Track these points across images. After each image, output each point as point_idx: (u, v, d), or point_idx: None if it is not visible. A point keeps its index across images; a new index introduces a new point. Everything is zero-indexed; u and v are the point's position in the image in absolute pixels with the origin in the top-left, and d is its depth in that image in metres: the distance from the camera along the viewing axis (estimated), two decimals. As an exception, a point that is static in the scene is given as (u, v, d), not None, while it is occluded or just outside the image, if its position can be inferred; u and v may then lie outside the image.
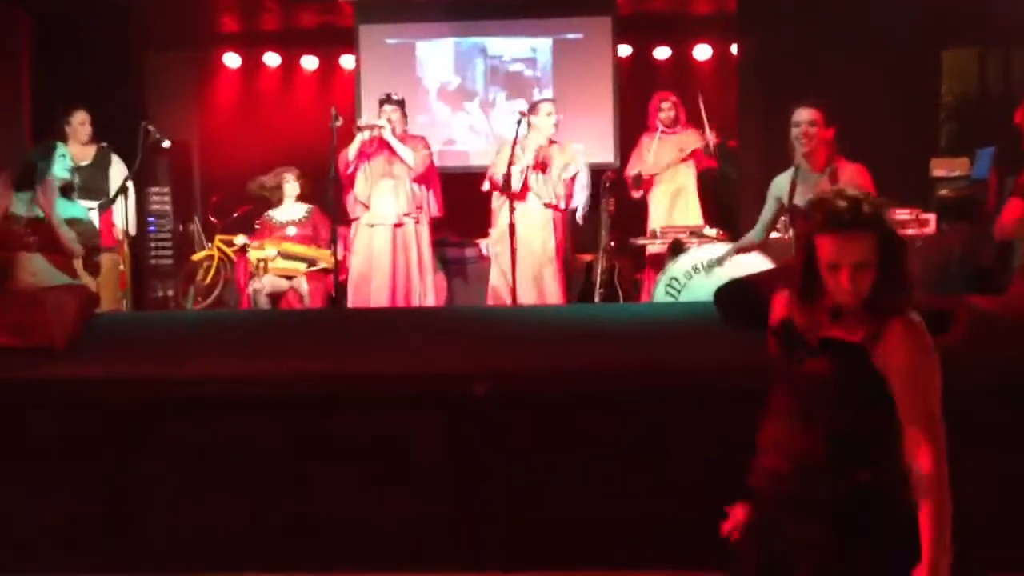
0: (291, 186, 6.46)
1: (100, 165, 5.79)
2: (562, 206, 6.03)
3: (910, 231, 5.53)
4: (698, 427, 3.20)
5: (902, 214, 5.57)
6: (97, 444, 3.21)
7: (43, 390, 3.24)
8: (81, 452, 3.21)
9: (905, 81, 6.47)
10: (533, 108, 6.11)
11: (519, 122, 5.87)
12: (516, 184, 5.82)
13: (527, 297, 5.88)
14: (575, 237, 7.13)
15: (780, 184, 4.05)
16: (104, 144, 5.87)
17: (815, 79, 6.17)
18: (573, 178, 6.04)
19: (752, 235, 4.35)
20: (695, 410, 3.21)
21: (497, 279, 6.07)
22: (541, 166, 5.92)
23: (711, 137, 6.40)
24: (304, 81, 9.09)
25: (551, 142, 6.02)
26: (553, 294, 6.03)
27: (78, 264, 4.01)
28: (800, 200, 3.90)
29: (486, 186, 6.12)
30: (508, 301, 5.79)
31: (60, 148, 4.20)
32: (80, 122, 5.83)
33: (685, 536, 3.03)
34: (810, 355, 2.07)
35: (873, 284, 2.00)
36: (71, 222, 3.98)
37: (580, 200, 6.09)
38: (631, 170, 6.66)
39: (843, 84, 6.15)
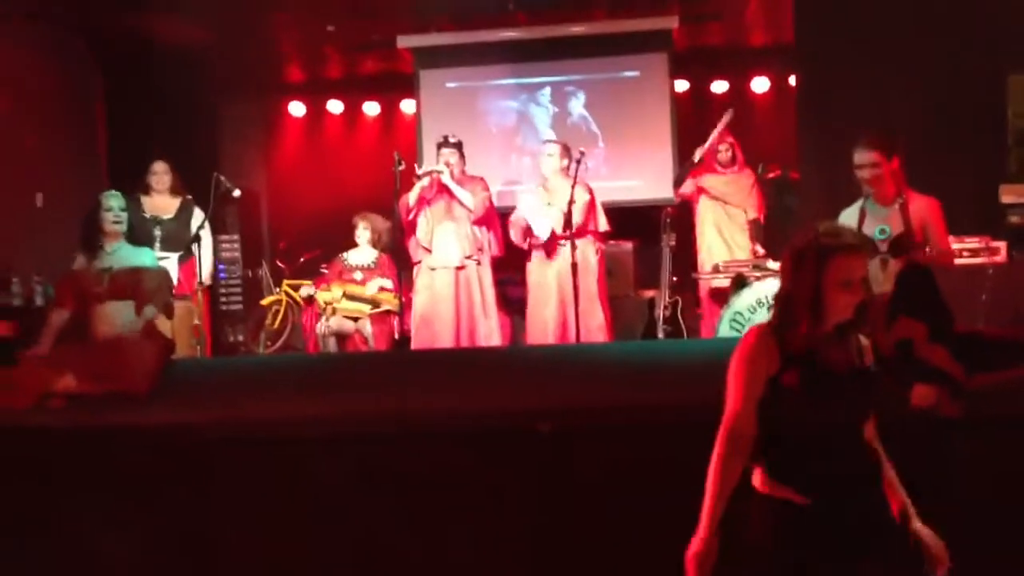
0: (362, 233, 6.59)
1: (183, 217, 5.90)
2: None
3: (980, 259, 5.42)
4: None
5: (971, 242, 5.46)
6: (177, 484, 3.30)
7: (127, 435, 3.35)
8: (164, 491, 3.30)
9: (971, 107, 6.36)
10: (567, 151, 6.17)
11: (578, 162, 5.93)
12: (554, 229, 5.88)
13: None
14: (637, 274, 7.14)
15: (848, 216, 4.02)
16: (189, 197, 6.01)
17: (877, 107, 6.11)
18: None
19: None
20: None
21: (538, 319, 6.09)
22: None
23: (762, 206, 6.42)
24: (366, 127, 9.29)
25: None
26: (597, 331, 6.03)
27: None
28: (869, 231, 3.86)
29: (515, 236, 6.17)
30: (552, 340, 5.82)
31: (109, 198, 4.24)
32: (159, 172, 5.98)
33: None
34: (851, 381, 2.24)
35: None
36: (143, 272, 4.04)
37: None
38: (684, 188, 6.66)
39: (907, 112, 6.09)
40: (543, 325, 6.04)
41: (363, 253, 6.61)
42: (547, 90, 8.28)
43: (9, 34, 6.38)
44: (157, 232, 5.65)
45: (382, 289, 6.45)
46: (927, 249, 3.86)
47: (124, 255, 4.04)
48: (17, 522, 3.32)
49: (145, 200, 5.86)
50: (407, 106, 8.95)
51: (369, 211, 6.79)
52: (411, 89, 8.49)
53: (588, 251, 6.03)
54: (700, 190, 6.57)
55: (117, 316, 3.91)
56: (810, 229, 2.28)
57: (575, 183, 5.81)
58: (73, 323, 3.98)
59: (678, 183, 6.65)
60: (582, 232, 5.97)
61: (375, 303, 6.42)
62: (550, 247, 6.04)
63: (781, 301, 2.30)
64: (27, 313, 5.97)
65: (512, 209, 6.35)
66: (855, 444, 2.25)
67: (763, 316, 5.27)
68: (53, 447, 3.43)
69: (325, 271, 6.73)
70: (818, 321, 2.21)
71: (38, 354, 3.80)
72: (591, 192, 6.09)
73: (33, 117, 6.79)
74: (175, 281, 5.37)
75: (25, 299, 6.16)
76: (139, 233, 4.36)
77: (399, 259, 6.11)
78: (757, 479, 2.29)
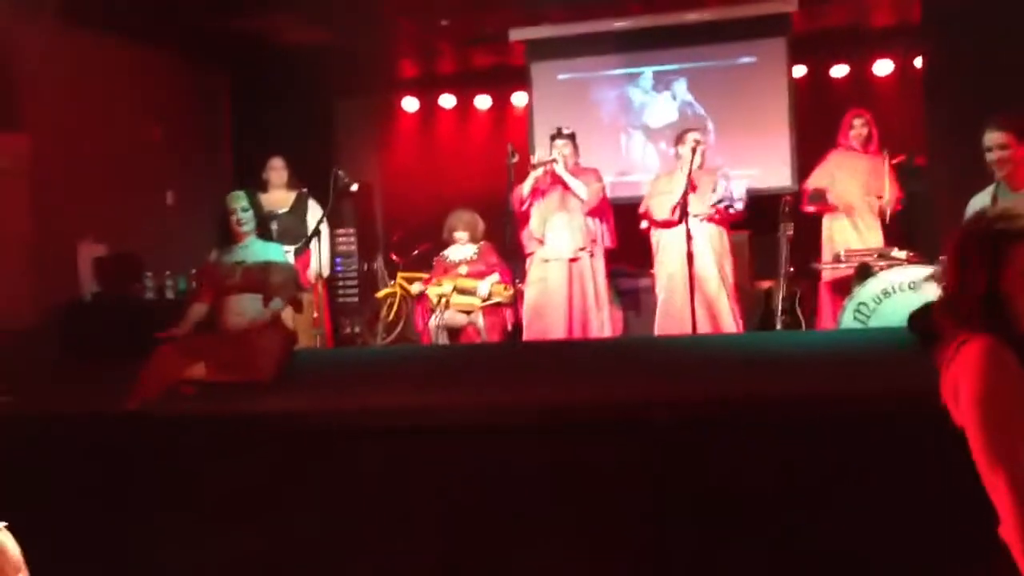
0: (459, 235, 6.68)
1: (298, 211, 6.12)
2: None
3: None
4: (895, 453, 3.06)
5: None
6: (304, 471, 3.40)
7: (252, 422, 3.47)
8: (289, 478, 3.40)
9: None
10: (680, 138, 6.09)
11: (694, 150, 5.83)
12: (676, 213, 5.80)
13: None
14: (753, 263, 6.99)
15: (979, 203, 3.83)
16: (304, 190, 6.20)
17: (1008, 89, 5.81)
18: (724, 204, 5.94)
19: None
20: (893, 436, 3.08)
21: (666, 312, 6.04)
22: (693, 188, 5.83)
23: (897, 191, 6.19)
24: (479, 120, 9.36)
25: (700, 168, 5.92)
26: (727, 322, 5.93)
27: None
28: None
29: (645, 224, 6.14)
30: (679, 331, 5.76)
31: (233, 200, 4.32)
32: (275, 167, 6.19)
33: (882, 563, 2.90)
34: None
35: None
36: (272, 267, 4.19)
37: (738, 203, 5.96)
38: (810, 184, 6.46)
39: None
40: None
41: (463, 248, 6.68)
42: (649, 75, 8.17)
43: (138, 35, 6.68)
44: (274, 226, 5.83)
45: (494, 284, 6.51)
46: None
47: (255, 250, 4.19)
48: (145, 503, 3.46)
49: (262, 195, 6.05)
50: (518, 99, 8.97)
51: (481, 203, 6.86)
52: (523, 82, 8.50)
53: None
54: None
55: (247, 308, 4.05)
56: (978, 216, 1.99)
57: (691, 171, 5.74)
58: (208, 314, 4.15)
59: (814, 199, 6.44)
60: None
61: (486, 296, 6.48)
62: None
63: (946, 305, 1.96)
64: (159, 306, 6.26)
65: (627, 200, 6.31)
66: None
67: (889, 306, 5.08)
68: (185, 432, 3.58)
69: (435, 265, 6.82)
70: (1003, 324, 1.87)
71: (175, 337, 3.97)
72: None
73: (162, 117, 7.10)
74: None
75: (157, 292, 6.46)
76: (263, 227, 4.48)
77: (506, 249, 6.14)
78: None
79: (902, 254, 5.73)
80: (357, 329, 8.38)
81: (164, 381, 3.74)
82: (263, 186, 6.14)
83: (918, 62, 7.58)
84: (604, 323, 6.11)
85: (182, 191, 7.16)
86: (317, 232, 5.86)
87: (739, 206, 5.96)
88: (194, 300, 4.26)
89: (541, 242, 6.11)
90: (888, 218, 6.16)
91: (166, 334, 3.99)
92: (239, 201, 4.21)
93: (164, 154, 7.07)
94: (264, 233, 4.31)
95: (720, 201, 5.89)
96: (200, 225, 5.62)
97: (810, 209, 6.46)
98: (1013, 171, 3.68)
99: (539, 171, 6.08)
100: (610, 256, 6.34)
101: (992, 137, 3.70)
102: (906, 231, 6.56)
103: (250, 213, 4.19)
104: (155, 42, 6.95)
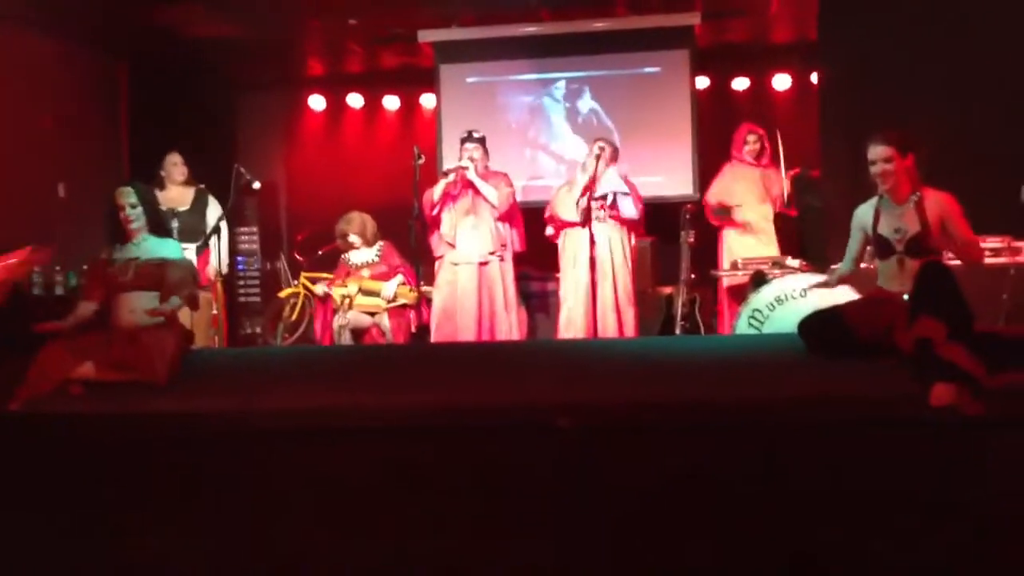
0: (353, 238, 6.61)
1: (198, 208, 5.99)
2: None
3: (1002, 259, 5.38)
4: (789, 458, 3.15)
5: (993, 242, 5.42)
6: (195, 475, 3.32)
7: (147, 424, 3.37)
8: (187, 482, 3.31)
9: (994, 106, 6.32)
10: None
11: (597, 157, 5.92)
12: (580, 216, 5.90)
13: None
14: (656, 270, 7.13)
15: (863, 214, 3.99)
16: (202, 186, 6.07)
17: (900, 103, 6.08)
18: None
19: (842, 268, 4.26)
20: (785, 441, 3.17)
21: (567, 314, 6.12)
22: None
23: (786, 187, 6.38)
24: (386, 121, 9.31)
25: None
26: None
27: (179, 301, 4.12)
28: (885, 230, 3.84)
29: (550, 230, 6.22)
30: (580, 335, 5.84)
31: (120, 196, 4.08)
32: (173, 163, 6.05)
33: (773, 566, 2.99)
34: None
35: None
36: (169, 264, 4.06)
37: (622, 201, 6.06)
38: (712, 198, 6.64)
39: (930, 108, 6.04)
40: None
41: (362, 252, 6.64)
42: (563, 84, 8.28)
43: (32, 25, 6.43)
44: (174, 224, 5.69)
45: (400, 286, 6.48)
46: (949, 245, 3.81)
47: (150, 246, 4.05)
48: (26, 509, 3.34)
49: (160, 194, 5.90)
50: (427, 100, 8.96)
51: (387, 204, 6.84)
52: (431, 83, 8.50)
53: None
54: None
55: (141, 306, 3.93)
56: None
57: (594, 177, 5.82)
58: (98, 313, 4.01)
59: (720, 214, 6.61)
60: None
61: (393, 298, 6.45)
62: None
63: None
64: (49, 303, 6.03)
65: (533, 204, 6.37)
66: None
67: (781, 313, 5.25)
68: (71, 433, 3.45)
69: (340, 266, 6.75)
70: None
71: (56, 331, 3.81)
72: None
73: (54, 107, 6.84)
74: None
75: (46, 289, 6.22)
76: (159, 223, 4.36)
77: (410, 250, 6.13)
78: None
79: (795, 263, 5.95)
80: (258, 329, 8.24)
81: (51, 380, 3.59)
82: (160, 183, 5.98)
83: (814, 77, 7.85)
84: (512, 326, 6.17)
85: (74, 183, 6.91)
86: (217, 230, 5.75)
87: (628, 212, 6.03)
88: (83, 298, 4.10)
89: (452, 245, 6.11)
90: (783, 209, 6.37)
91: (45, 327, 3.83)
92: (128, 197, 4.04)
93: (55, 144, 6.81)
94: (157, 228, 4.16)
95: (605, 196, 5.95)
96: (93, 219, 5.41)
97: (717, 223, 6.64)
98: (896, 184, 3.83)
99: (451, 176, 6.08)
100: (517, 259, 6.39)
101: (876, 151, 3.84)
102: (800, 241, 6.80)
103: (139, 209, 4.04)
104: (50, 29, 6.70)
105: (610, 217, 6.00)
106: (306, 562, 3.31)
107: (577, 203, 5.93)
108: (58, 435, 3.42)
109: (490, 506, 3.26)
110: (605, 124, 8.11)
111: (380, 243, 6.66)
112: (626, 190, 6.02)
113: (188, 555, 3.32)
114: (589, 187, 5.85)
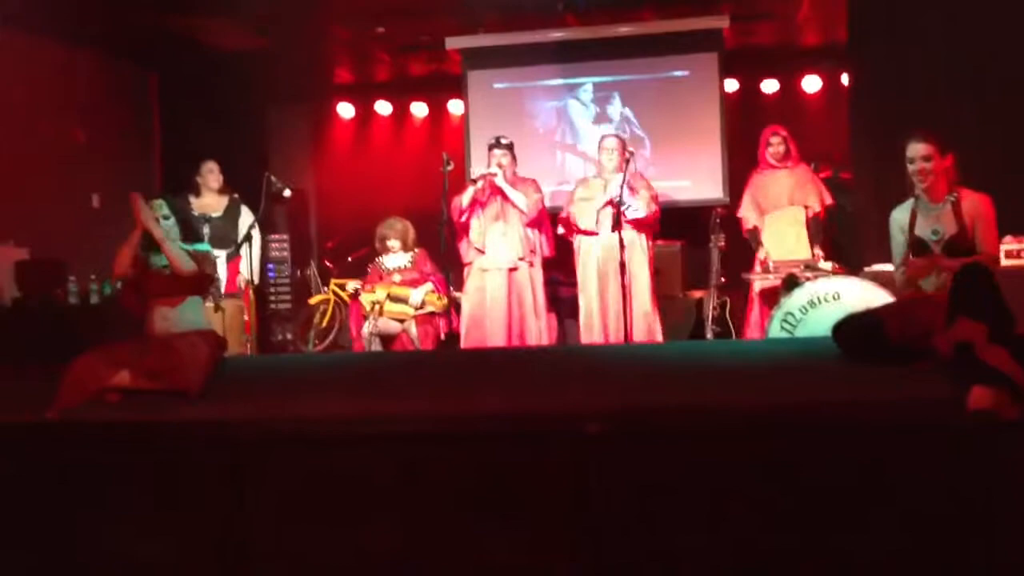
0: (392, 243, 6.64)
1: (230, 215, 6.04)
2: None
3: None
4: (821, 462, 3.12)
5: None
6: (225, 481, 3.34)
7: (180, 431, 3.40)
8: (211, 489, 3.33)
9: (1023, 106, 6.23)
10: (600, 145, 6.19)
11: (627, 161, 5.89)
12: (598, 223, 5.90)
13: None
14: (686, 274, 7.09)
15: (899, 217, 3.94)
16: (236, 195, 6.12)
17: (931, 105, 6.01)
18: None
19: (897, 277, 4.14)
20: (818, 446, 3.14)
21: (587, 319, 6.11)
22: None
23: (827, 198, 6.33)
24: (414, 128, 9.36)
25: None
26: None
27: (208, 308, 4.17)
28: (922, 232, 3.79)
29: (562, 229, 6.22)
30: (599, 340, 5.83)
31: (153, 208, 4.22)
32: (209, 170, 6.11)
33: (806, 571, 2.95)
34: None
35: None
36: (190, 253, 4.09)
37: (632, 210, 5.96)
38: (743, 213, 6.55)
39: (963, 109, 5.97)
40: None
41: (397, 256, 6.65)
42: (590, 87, 8.26)
43: (64, 39, 6.53)
44: (206, 230, 5.76)
45: (428, 294, 6.49)
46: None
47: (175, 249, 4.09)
48: (66, 516, 3.38)
49: (194, 200, 5.99)
50: (455, 107, 8.99)
51: (416, 210, 6.85)
52: (459, 90, 8.53)
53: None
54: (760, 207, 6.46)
55: (175, 315, 3.96)
56: None
57: (624, 182, 5.78)
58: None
59: (752, 238, 6.53)
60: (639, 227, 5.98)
61: (420, 305, 6.46)
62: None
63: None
64: (83, 311, 6.11)
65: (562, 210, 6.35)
66: None
67: (815, 316, 5.20)
68: (108, 440, 3.49)
69: (370, 272, 6.78)
70: None
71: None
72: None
73: (87, 119, 6.94)
74: (223, 277, 5.46)
75: (81, 298, 6.30)
76: (190, 231, 4.41)
77: (440, 257, 6.14)
78: None
79: (828, 265, 5.88)
80: (289, 336, 8.29)
81: (86, 390, 3.63)
82: (196, 189, 6.05)
83: (844, 79, 7.78)
84: (542, 331, 6.16)
85: (108, 194, 7.00)
86: (248, 237, 5.80)
87: (635, 214, 5.96)
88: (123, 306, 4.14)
89: (481, 252, 6.12)
90: (814, 229, 6.28)
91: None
92: (160, 209, 4.09)
93: (90, 156, 6.91)
94: (188, 237, 4.19)
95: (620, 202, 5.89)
96: (126, 229, 5.49)
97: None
98: (933, 183, 3.79)
99: (480, 183, 6.09)
100: (546, 265, 6.38)
101: (916, 149, 3.79)
102: (833, 243, 6.73)
103: (172, 220, 4.09)
104: (82, 41, 6.80)
105: (627, 222, 5.94)
106: (335, 567, 3.32)
107: (598, 213, 5.91)
108: (94, 443, 3.46)
109: (508, 511, 3.25)
110: (636, 132, 8.08)
111: (416, 250, 6.68)
112: (628, 203, 5.92)
113: (220, 557, 3.34)
114: (615, 198, 5.80)
